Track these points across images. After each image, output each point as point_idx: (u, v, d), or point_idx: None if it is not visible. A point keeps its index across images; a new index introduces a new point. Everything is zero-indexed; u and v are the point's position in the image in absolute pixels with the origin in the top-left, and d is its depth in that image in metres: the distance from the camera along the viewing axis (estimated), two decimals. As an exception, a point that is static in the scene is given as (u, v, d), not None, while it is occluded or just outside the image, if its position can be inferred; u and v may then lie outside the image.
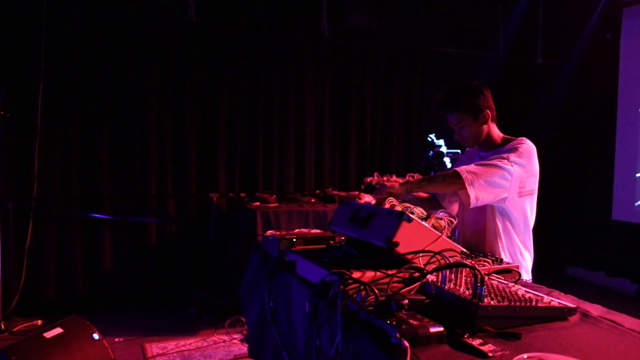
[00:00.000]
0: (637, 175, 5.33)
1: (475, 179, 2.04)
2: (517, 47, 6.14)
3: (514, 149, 2.14)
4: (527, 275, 2.27)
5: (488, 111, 2.25)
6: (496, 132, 2.30)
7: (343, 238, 2.12)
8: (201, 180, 5.08)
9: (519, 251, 2.25)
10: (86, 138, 4.64)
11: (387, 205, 1.96)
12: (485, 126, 2.26)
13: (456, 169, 2.10)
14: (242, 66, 5.16)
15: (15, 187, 4.39)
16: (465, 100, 2.22)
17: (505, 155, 2.12)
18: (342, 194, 4.71)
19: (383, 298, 1.25)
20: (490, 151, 2.27)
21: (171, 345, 3.78)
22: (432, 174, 3.25)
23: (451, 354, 1.12)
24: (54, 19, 4.42)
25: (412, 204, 1.92)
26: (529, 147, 2.17)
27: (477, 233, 2.30)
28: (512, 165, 2.09)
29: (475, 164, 2.13)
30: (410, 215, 1.65)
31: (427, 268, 1.48)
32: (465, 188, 2.03)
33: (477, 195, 2.04)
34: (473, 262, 1.60)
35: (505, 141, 2.27)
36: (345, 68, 5.65)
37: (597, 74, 5.69)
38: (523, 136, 2.33)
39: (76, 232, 4.61)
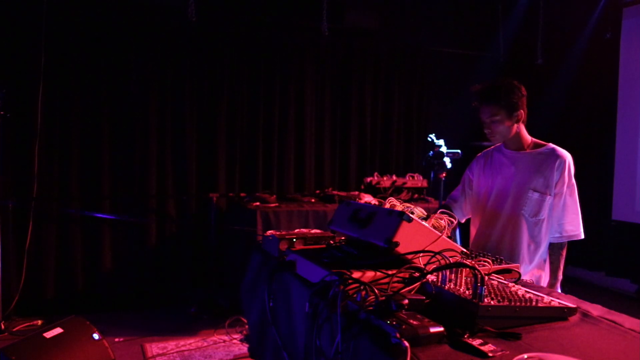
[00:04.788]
0: (637, 175, 5.33)
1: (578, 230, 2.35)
2: (517, 47, 6.13)
3: (570, 177, 2.33)
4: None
5: (522, 111, 2.35)
6: (525, 134, 2.42)
7: (343, 238, 2.12)
8: (201, 180, 5.08)
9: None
10: (86, 138, 4.64)
11: (387, 205, 1.96)
12: (515, 125, 2.36)
13: (571, 237, 2.34)
14: (242, 66, 5.16)
15: (15, 187, 4.39)
16: (506, 96, 2.30)
17: (573, 192, 2.34)
18: (342, 194, 4.71)
19: (383, 298, 1.25)
20: (519, 152, 2.40)
21: (171, 345, 3.78)
22: (432, 174, 3.35)
23: (451, 354, 1.12)
24: (54, 19, 4.42)
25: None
26: (572, 165, 2.35)
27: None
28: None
29: (570, 213, 2.34)
30: (411, 215, 1.65)
31: (427, 268, 1.48)
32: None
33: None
34: (473, 262, 1.60)
35: (535, 145, 2.40)
36: (345, 68, 5.65)
37: (597, 74, 5.68)
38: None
39: (76, 232, 4.61)
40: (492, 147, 2.56)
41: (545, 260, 2.38)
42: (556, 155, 2.31)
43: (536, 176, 2.31)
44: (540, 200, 2.30)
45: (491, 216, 2.43)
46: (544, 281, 2.37)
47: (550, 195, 2.30)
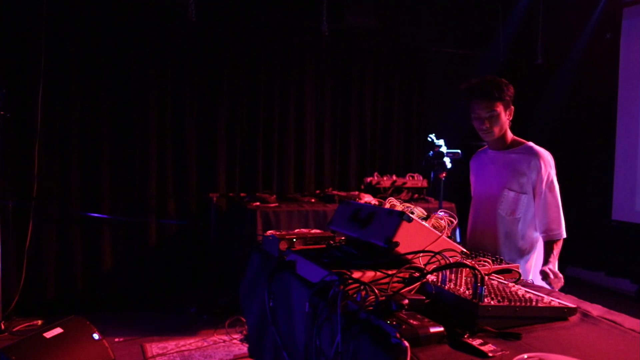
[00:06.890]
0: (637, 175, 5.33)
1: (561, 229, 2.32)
2: (517, 47, 6.13)
3: (548, 174, 2.32)
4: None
5: (513, 107, 2.36)
6: (509, 132, 2.42)
7: (343, 238, 2.12)
8: (201, 180, 5.08)
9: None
10: (86, 138, 4.64)
11: (387, 205, 1.96)
12: (507, 121, 2.37)
13: (555, 235, 2.29)
14: (242, 66, 5.16)
15: (15, 187, 4.38)
16: (504, 92, 2.30)
17: (553, 189, 2.33)
18: (342, 194, 4.71)
19: (383, 298, 1.25)
20: (499, 151, 2.43)
21: (171, 345, 3.78)
22: (432, 174, 3.39)
23: (451, 354, 1.12)
24: (54, 19, 4.42)
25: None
26: (551, 162, 2.35)
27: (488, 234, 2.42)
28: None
29: (551, 213, 2.31)
30: (411, 215, 1.65)
31: (427, 268, 1.48)
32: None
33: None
34: (473, 262, 1.60)
35: (515, 143, 2.40)
36: (345, 68, 5.64)
37: (597, 74, 5.68)
38: (523, 136, 2.47)
39: (76, 232, 4.61)
40: (481, 149, 2.62)
41: (530, 258, 2.37)
42: (531, 155, 2.31)
43: (512, 175, 2.33)
44: (515, 199, 2.31)
45: (477, 215, 2.51)
46: (532, 274, 2.35)
47: (526, 194, 2.31)
